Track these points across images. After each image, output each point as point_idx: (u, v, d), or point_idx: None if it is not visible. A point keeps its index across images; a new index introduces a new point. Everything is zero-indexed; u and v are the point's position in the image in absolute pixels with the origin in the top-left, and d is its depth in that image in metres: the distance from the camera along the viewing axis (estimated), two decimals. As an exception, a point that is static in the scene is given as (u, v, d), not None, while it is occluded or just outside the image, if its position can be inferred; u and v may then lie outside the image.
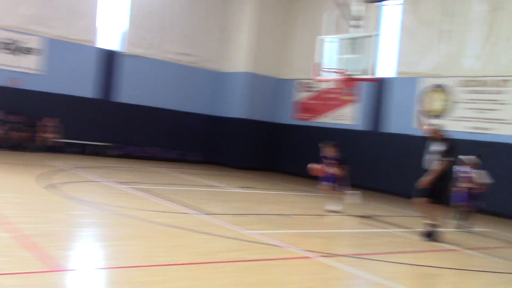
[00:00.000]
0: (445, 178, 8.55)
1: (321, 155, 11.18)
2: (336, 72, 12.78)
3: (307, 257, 6.57)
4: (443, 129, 8.98)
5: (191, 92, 21.05)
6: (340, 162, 10.89)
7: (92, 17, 18.54)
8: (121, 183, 11.63)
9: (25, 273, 4.66)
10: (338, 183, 10.80)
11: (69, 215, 7.68)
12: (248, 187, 14.08)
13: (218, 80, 21.58)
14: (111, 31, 19.27)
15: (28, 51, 17.30)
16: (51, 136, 17.26)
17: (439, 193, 8.52)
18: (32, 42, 17.33)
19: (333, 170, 10.80)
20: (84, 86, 18.40)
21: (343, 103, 18.00)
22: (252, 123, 20.45)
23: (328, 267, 6.23)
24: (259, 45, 20.49)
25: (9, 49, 16.96)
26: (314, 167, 11.02)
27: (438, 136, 8.68)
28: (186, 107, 20.81)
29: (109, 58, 19.00)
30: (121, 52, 19.24)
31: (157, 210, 8.65)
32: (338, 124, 18.48)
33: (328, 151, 10.95)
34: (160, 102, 20.16)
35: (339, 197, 10.97)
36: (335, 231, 9.47)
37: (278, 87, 21.17)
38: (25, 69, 17.31)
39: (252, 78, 20.50)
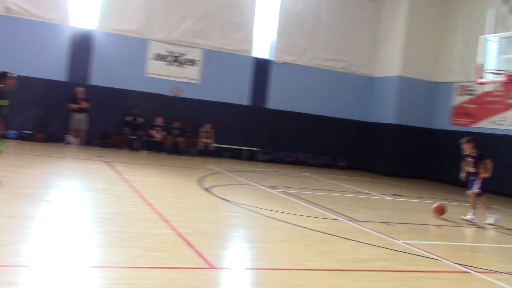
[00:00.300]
0: None
1: (462, 153, 10.34)
2: (500, 73, 11.78)
3: (464, 272, 6.12)
4: None
5: (340, 98, 20.94)
6: (479, 159, 9.93)
7: (249, 28, 19.45)
8: (271, 187, 11.97)
9: (186, 268, 5.03)
10: (480, 187, 9.89)
11: (223, 216, 8.10)
12: (397, 195, 13.58)
13: (369, 85, 21.18)
14: (262, 40, 20.03)
15: (190, 62, 18.74)
16: (209, 142, 18.42)
17: None
18: (193, 54, 18.74)
19: (473, 169, 9.94)
20: (240, 94, 19.36)
21: (507, 107, 16.53)
22: (403, 129, 19.70)
23: (488, 284, 5.73)
24: (413, 48, 19.68)
25: (175, 61, 18.56)
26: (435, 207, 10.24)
27: None
28: (335, 113, 20.75)
29: (262, 67, 19.75)
30: (272, 60, 19.89)
31: (305, 215, 8.74)
32: (501, 129, 16.97)
33: (466, 147, 10.09)
34: (309, 108, 20.38)
35: (486, 207, 10.07)
36: (489, 245, 8.70)
37: (433, 91, 20.11)
38: (187, 79, 18.76)
39: (405, 82, 19.75)
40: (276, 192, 11.20)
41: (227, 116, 19.15)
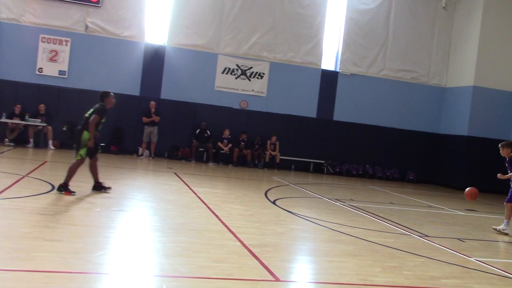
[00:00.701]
0: None
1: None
2: None
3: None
4: None
5: (410, 109, 20.44)
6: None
7: (317, 40, 19.45)
8: (338, 200, 11.83)
9: (251, 280, 5.06)
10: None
11: (289, 229, 8.09)
12: (470, 210, 13.02)
13: (440, 95, 20.56)
14: (330, 52, 19.95)
15: (257, 75, 18.97)
16: (276, 154, 18.49)
17: None
18: (260, 67, 18.96)
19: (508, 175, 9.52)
20: (307, 106, 19.33)
21: None
22: (477, 141, 18.90)
23: None
24: (487, 57, 18.91)
25: (243, 74, 18.85)
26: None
27: None
28: (404, 124, 20.27)
29: (329, 78, 19.65)
30: (339, 71, 19.74)
31: (373, 229, 8.56)
32: None
33: (504, 152, 9.75)
34: (378, 120, 20.03)
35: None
36: None
37: (509, 101, 19.22)
38: (254, 92, 18.98)
39: (479, 92, 18.99)
40: (342, 205, 11.05)
41: (293, 128, 19.18)
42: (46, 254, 5.07)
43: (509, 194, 9.69)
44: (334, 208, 10.57)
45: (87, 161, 9.04)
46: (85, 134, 8.68)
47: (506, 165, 9.90)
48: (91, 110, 8.93)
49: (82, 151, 8.75)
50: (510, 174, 9.69)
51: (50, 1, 17.16)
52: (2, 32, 16.87)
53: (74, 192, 8.59)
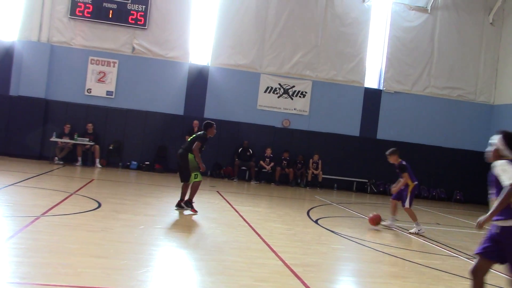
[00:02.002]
0: None
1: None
2: None
3: None
4: None
5: (457, 127, 19.98)
6: (401, 170, 10.52)
7: (360, 58, 19.37)
8: (383, 220, 11.60)
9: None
10: (403, 196, 10.50)
11: (331, 249, 7.99)
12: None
13: (488, 113, 20.02)
14: (373, 70, 19.81)
15: (299, 94, 19.00)
16: (318, 173, 18.37)
17: None
18: (302, 86, 19.00)
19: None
20: (350, 125, 19.19)
21: None
22: (529, 160, 18.22)
23: None
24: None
25: (285, 93, 18.93)
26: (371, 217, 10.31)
27: None
28: (451, 143, 19.81)
29: (372, 97, 19.47)
30: (383, 89, 19.54)
31: (418, 250, 8.35)
32: None
33: (391, 159, 10.51)
34: (423, 138, 19.66)
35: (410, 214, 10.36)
36: None
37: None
38: (296, 110, 19.00)
39: (530, 110, 18.40)
40: (387, 226, 10.83)
41: (336, 147, 19.04)
42: (91, 270, 5.19)
43: (403, 197, 10.52)
44: (378, 228, 10.37)
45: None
46: (190, 156, 9.60)
47: (397, 171, 10.65)
48: (194, 136, 9.87)
49: (198, 175, 9.71)
50: (401, 183, 10.58)
51: (99, 24, 17.81)
52: (54, 55, 17.59)
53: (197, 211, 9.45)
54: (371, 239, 8.95)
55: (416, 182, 10.66)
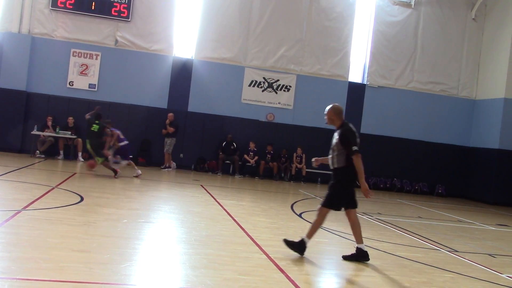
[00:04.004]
0: None
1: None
2: None
3: None
4: None
5: (439, 122, 20.18)
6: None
7: (344, 52, 19.42)
8: (364, 213, 11.69)
9: (274, 293, 5.03)
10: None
11: (314, 242, 8.00)
12: (502, 225, 12.70)
13: (470, 108, 20.26)
14: (357, 64, 19.88)
15: (284, 88, 19.00)
16: (302, 167, 18.42)
17: None
18: (287, 80, 19.00)
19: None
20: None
21: None
22: (509, 154, 18.50)
23: None
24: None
25: (270, 87, 18.91)
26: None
27: None
28: (433, 137, 20.01)
29: (356, 91, 19.55)
30: (367, 84, 19.63)
31: (401, 243, 8.43)
32: None
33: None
34: (406, 133, 19.82)
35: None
36: None
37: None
38: (280, 104, 19.01)
39: (511, 105, 18.61)
40: (370, 219, 10.92)
41: (319, 141, 19.03)
42: (74, 264, 5.13)
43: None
44: (361, 222, 10.40)
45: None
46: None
47: None
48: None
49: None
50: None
51: (81, 16, 17.59)
52: (35, 47, 17.32)
53: None
54: (355, 232, 8.99)
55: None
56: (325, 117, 7.09)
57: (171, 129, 17.30)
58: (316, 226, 6.78)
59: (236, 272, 5.56)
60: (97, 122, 13.55)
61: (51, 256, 5.33)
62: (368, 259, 6.72)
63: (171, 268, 5.58)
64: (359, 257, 6.74)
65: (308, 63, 19.21)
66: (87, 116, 13.96)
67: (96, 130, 13.44)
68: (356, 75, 19.89)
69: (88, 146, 13.68)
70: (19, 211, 7.43)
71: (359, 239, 6.86)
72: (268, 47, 18.93)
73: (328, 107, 7.15)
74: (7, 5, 17.16)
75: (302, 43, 19.12)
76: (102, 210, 8.42)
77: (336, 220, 10.60)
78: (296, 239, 6.86)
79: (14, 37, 17.13)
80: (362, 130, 19.46)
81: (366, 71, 19.80)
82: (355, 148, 6.66)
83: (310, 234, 6.74)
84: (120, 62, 17.93)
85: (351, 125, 6.95)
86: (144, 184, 12.92)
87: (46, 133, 16.63)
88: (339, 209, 6.92)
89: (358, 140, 6.84)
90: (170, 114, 17.45)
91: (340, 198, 6.81)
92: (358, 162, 6.66)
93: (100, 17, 17.71)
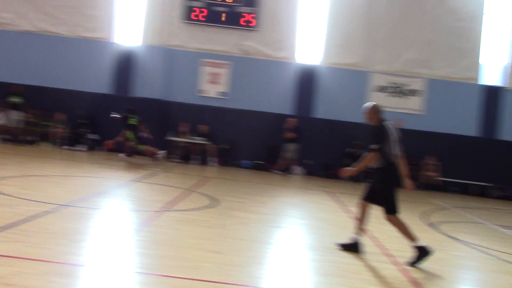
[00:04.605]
0: None
1: None
2: None
3: None
4: None
5: None
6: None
7: (476, 54, 18.26)
8: (506, 227, 10.82)
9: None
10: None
11: (451, 255, 7.59)
12: None
13: None
14: (492, 66, 18.52)
15: (412, 93, 18.30)
16: (433, 175, 17.54)
17: None
18: (415, 84, 18.27)
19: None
20: (468, 124, 18.12)
21: None
22: None
23: None
24: None
25: (396, 92, 18.34)
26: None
27: None
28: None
29: (492, 95, 18.23)
30: (504, 87, 18.22)
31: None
32: None
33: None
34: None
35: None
36: None
37: None
38: (409, 110, 18.31)
39: None
40: (510, 233, 10.07)
41: (454, 148, 18.05)
42: (209, 264, 5.38)
43: None
44: (502, 236, 9.69)
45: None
46: None
47: None
48: None
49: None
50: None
51: (211, 27, 18.48)
52: (173, 58, 18.54)
53: None
54: (495, 247, 8.36)
55: None
56: (366, 116, 6.88)
57: (292, 135, 17.46)
58: (406, 231, 6.61)
59: (367, 282, 5.45)
60: (133, 116, 15.66)
61: (189, 256, 5.64)
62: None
63: (301, 274, 5.61)
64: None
65: (438, 66, 18.28)
66: (116, 116, 15.77)
67: (135, 122, 15.71)
68: (492, 78, 18.47)
69: (132, 136, 15.55)
70: (159, 212, 7.98)
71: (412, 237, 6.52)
72: (395, 50, 18.35)
73: (367, 106, 6.95)
74: (147, 20, 18.60)
75: (431, 45, 18.22)
76: (235, 213, 8.72)
77: (473, 233, 9.95)
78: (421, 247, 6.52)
79: (152, 49, 18.51)
80: (502, 137, 18.04)
81: (504, 72, 18.32)
82: (373, 146, 6.53)
83: (411, 239, 6.49)
84: (248, 70, 18.52)
85: (388, 125, 6.78)
86: (272, 190, 13.18)
87: (181, 139, 17.65)
88: (398, 211, 6.77)
89: (393, 141, 6.71)
90: (291, 120, 17.63)
91: (394, 197, 6.76)
92: (368, 159, 6.64)
93: (229, 28, 18.46)
